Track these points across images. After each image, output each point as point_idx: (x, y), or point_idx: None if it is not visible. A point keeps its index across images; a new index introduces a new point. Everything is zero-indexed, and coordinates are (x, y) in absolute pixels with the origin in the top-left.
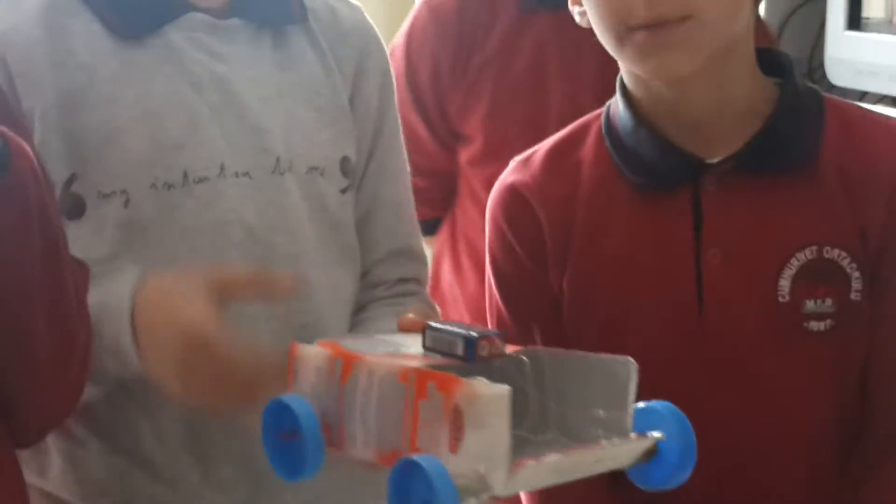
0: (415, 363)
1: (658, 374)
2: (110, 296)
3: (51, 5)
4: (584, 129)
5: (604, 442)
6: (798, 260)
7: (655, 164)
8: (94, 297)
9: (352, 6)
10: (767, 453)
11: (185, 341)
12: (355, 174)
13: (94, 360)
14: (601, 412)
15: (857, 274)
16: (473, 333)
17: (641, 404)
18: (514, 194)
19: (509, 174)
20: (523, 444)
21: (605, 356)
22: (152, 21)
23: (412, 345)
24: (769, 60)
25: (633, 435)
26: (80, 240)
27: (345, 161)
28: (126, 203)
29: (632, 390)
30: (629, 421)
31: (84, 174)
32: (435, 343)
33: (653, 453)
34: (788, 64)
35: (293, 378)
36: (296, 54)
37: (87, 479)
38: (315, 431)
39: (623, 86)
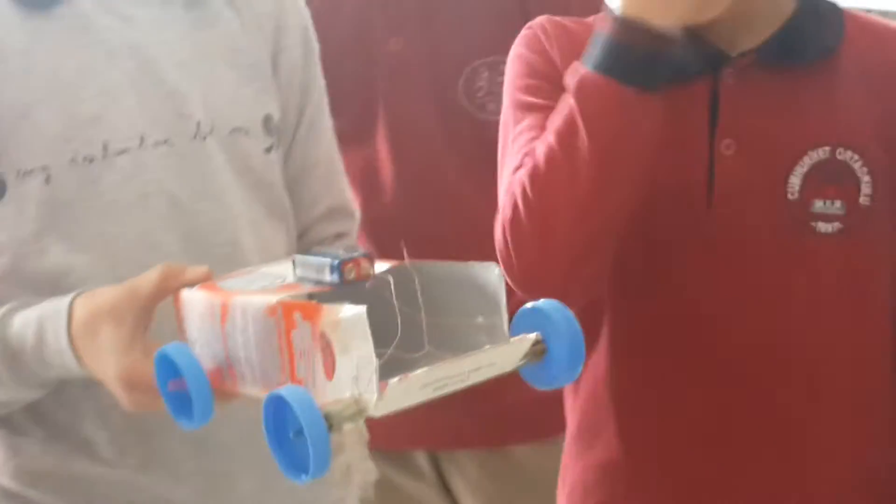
0: (285, 295)
1: (666, 258)
2: (46, 315)
3: None
4: None
5: (476, 350)
6: (810, 158)
7: (677, 53)
8: (32, 312)
9: None
10: (775, 349)
11: (125, 394)
12: (281, 132)
13: (40, 367)
14: (479, 319)
15: (867, 178)
16: (339, 258)
17: (529, 305)
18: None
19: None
20: (398, 363)
21: (473, 263)
22: None
23: (292, 275)
24: None
25: (513, 338)
26: (4, 220)
27: (267, 119)
28: (47, 179)
29: (501, 294)
30: (504, 325)
31: (1, 153)
32: (305, 271)
33: (542, 353)
34: None
35: (181, 325)
36: (212, 12)
37: (28, 466)
38: (199, 378)
39: None
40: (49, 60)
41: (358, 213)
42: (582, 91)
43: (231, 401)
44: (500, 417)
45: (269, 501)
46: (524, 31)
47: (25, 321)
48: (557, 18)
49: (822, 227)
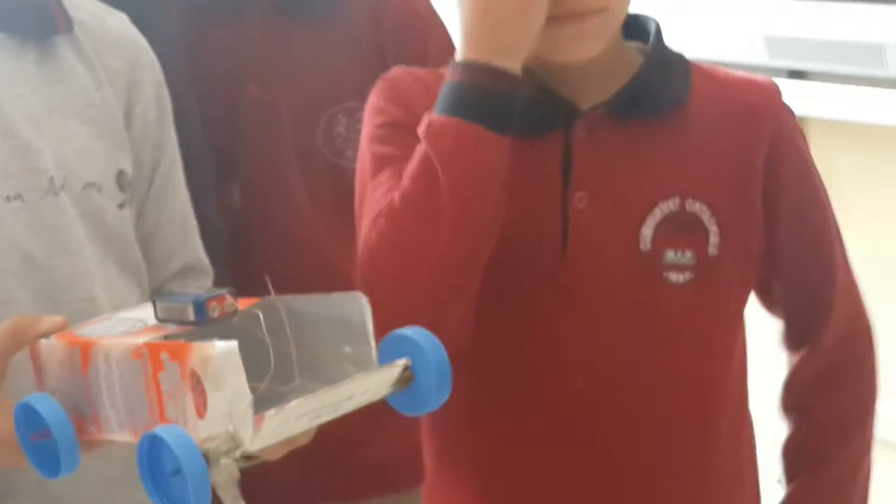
0: (149, 337)
1: (521, 304)
2: None
3: None
4: None
5: (348, 378)
6: (661, 210)
7: (529, 106)
8: None
9: (118, 17)
10: (626, 400)
11: None
12: (133, 188)
13: None
14: (347, 349)
15: (715, 228)
16: (202, 296)
17: (395, 332)
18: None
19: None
20: (270, 396)
21: (338, 294)
22: None
23: (153, 318)
24: (635, 26)
25: (382, 366)
26: None
27: (120, 175)
28: None
29: (368, 324)
30: (373, 353)
31: None
32: (167, 313)
33: (410, 380)
34: (656, 27)
35: (39, 376)
36: (64, 67)
37: None
38: (64, 427)
39: None
40: None
41: (211, 271)
42: (431, 134)
43: (95, 449)
44: (357, 471)
45: None
46: (380, 83)
47: None
48: (413, 69)
49: (674, 276)
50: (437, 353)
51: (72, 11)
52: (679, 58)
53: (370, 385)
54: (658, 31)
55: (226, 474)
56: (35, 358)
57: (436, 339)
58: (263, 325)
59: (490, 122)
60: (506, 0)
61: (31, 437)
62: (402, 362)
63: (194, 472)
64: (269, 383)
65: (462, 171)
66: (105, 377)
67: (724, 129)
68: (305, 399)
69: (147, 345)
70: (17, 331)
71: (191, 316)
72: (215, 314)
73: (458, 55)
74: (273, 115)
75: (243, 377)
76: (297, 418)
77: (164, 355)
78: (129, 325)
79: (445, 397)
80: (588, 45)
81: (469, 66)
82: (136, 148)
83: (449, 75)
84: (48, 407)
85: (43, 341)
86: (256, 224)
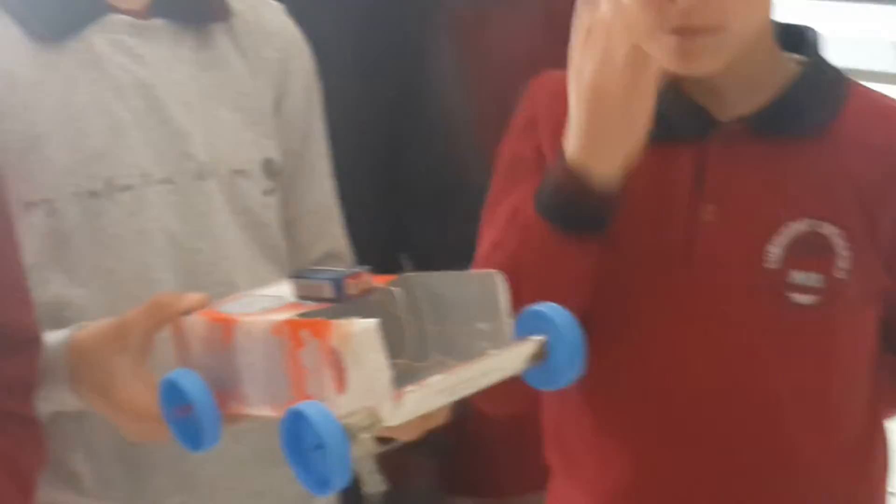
0: (289, 314)
1: (642, 318)
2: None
3: None
4: None
5: (483, 354)
6: (791, 229)
7: (666, 113)
8: None
9: (273, 8)
10: (743, 415)
11: (129, 425)
12: (281, 176)
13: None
14: (482, 325)
15: (846, 254)
16: (340, 273)
17: (530, 308)
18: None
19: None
20: (408, 372)
21: (473, 272)
22: (72, 23)
23: (291, 296)
24: (794, 35)
25: (516, 342)
26: None
27: (268, 163)
28: (50, 212)
29: (503, 300)
30: (507, 329)
31: (8, 183)
32: (305, 290)
33: (543, 356)
34: (814, 40)
35: (181, 353)
36: (219, 54)
37: None
38: (206, 401)
39: None
40: (58, 94)
41: (350, 257)
42: (520, 222)
43: (238, 423)
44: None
45: None
46: (527, 91)
47: None
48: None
49: (799, 298)
50: (571, 330)
51: (232, 2)
52: (836, 76)
53: (505, 361)
54: (816, 44)
55: (364, 449)
56: (177, 334)
57: (570, 316)
58: (399, 302)
59: (578, 229)
60: (611, 109)
61: (175, 412)
62: (536, 339)
63: (335, 447)
64: (406, 359)
65: (541, 271)
66: (247, 353)
67: (868, 157)
68: (445, 375)
69: (287, 322)
70: (161, 307)
71: (328, 293)
72: (353, 291)
73: (566, 148)
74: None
75: (383, 354)
76: (435, 394)
77: (304, 332)
78: (267, 302)
79: (578, 374)
80: (702, 62)
81: (568, 171)
82: (284, 136)
83: (553, 167)
84: (191, 382)
85: (185, 318)
86: None
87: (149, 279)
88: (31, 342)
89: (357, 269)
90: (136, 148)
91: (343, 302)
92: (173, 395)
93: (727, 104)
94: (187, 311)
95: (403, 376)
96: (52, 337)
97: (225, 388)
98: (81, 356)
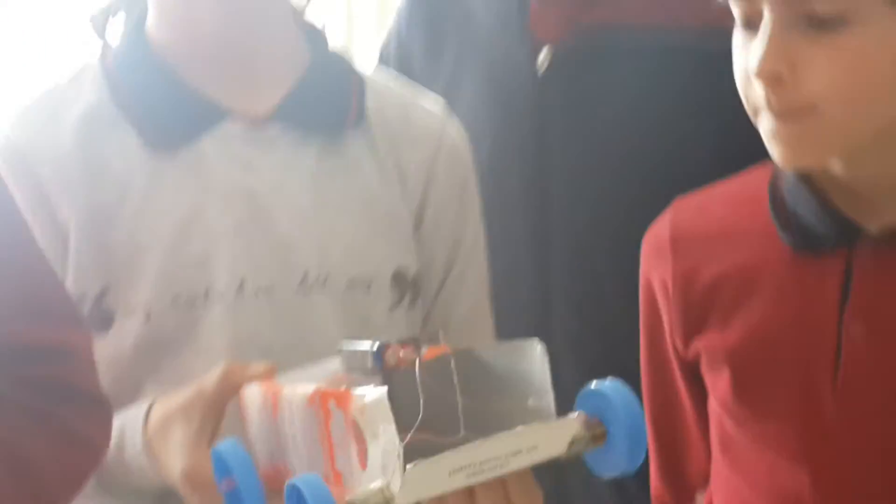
0: (325, 384)
1: (780, 434)
2: (127, 421)
3: (90, 115)
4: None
5: (510, 430)
6: None
7: (807, 221)
8: (116, 422)
9: (428, 112)
10: None
11: (190, 494)
12: (418, 287)
13: (121, 474)
14: (531, 401)
15: None
16: (382, 344)
17: (590, 386)
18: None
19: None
20: (437, 448)
21: (513, 342)
22: (188, 131)
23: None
24: None
25: (550, 420)
26: (103, 352)
27: (398, 274)
28: (147, 318)
29: (544, 371)
30: (550, 405)
31: (114, 288)
32: (350, 361)
33: (602, 437)
34: None
35: (245, 422)
36: (350, 161)
37: None
38: (247, 473)
39: None
40: (165, 201)
41: None
42: None
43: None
44: None
45: None
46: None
47: None
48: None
49: None
50: (629, 410)
51: (375, 102)
52: None
53: (541, 439)
54: None
55: None
56: (241, 405)
57: (629, 393)
58: (440, 376)
59: None
60: None
61: (224, 484)
62: (575, 416)
63: None
64: (437, 436)
65: None
66: (290, 424)
67: None
68: (457, 451)
69: (318, 391)
70: (228, 375)
71: (369, 363)
72: (392, 362)
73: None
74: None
75: (392, 426)
76: (450, 473)
77: (331, 403)
78: (319, 372)
79: (639, 460)
80: (796, 152)
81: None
82: (426, 247)
83: None
84: (234, 453)
85: (246, 387)
86: None
87: None
88: (103, 401)
89: (399, 339)
90: (236, 257)
91: (383, 374)
92: (221, 466)
93: (875, 210)
94: (253, 380)
95: (431, 452)
96: (134, 410)
97: (276, 462)
98: (156, 425)
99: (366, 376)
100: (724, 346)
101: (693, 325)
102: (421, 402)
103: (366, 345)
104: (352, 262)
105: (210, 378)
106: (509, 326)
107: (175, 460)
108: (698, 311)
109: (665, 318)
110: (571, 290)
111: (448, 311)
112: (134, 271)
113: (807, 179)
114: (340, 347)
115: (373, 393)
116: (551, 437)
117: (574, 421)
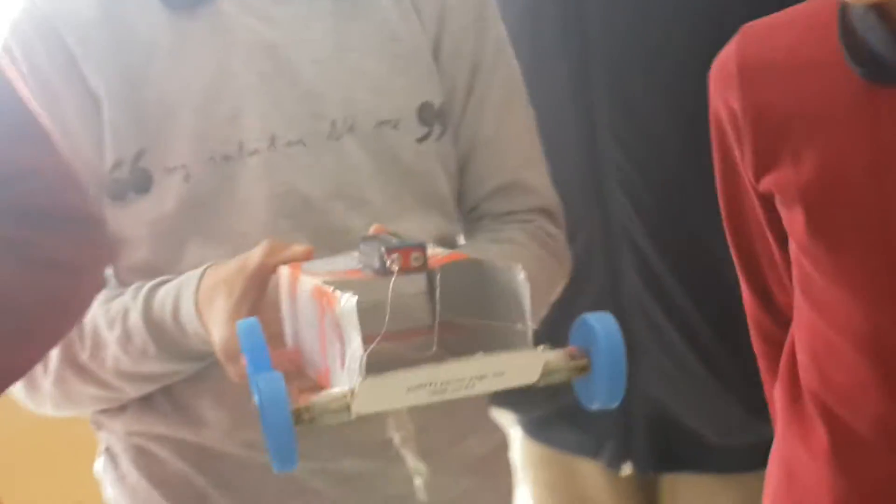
0: (332, 278)
1: (864, 285)
2: (183, 282)
3: None
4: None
5: (478, 355)
6: None
7: (881, 52)
8: (174, 282)
9: None
10: None
11: (225, 365)
12: (445, 117)
13: (179, 335)
14: (519, 326)
15: None
16: (389, 246)
17: (581, 317)
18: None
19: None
20: (408, 363)
21: (500, 264)
22: None
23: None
24: None
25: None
26: (146, 214)
27: (424, 108)
28: (186, 177)
29: (524, 298)
30: (528, 332)
31: (150, 149)
32: (364, 258)
33: (585, 368)
34: None
35: (280, 301)
36: (364, 2)
37: (153, 431)
38: (256, 354)
39: None
40: (192, 61)
41: (539, 188)
42: None
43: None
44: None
45: None
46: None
47: (167, 291)
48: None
49: None
50: (610, 344)
51: None
52: None
53: (507, 367)
54: None
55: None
56: (279, 283)
57: (614, 328)
58: (431, 287)
59: None
60: None
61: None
62: (541, 349)
63: (275, 427)
64: (415, 351)
65: None
66: (302, 312)
67: None
68: (416, 369)
69: (317, 287)
70: (269, 252)
71: (376, 265)
72: (394, 267)
73: None
74: None
75: (358, 333)
76: (408, 389)
77: (324, 301)
78: (342, 264)
79: (619, 396)
80: None
81: None
82: (447, 75)
83: None
84: (247, 333)
85: (281, 268)
86: None
87: (281, 241)
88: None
89: (411, 243)
90: (265, 111)
91: (386, 276)
92: (241, 342)
93: None
94: (291, 260)
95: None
96: (189, 273)
97: (296, 342)
98: (204, 292)
99: (375, 275)
100: (798, 183)
101: (765, 160)
102: (387, 313)
103: (381, 244)
104: (377, 103)
105: (253, 253)
106: (556, 166)
107: (215, 329)
108: (769, 146)
109: (736, 150)
110: (616, 125)
111: (473, 135)
112: (168, 132)
113: (878, 6)
114: (362, 238)
115: (345, 300)
116: (519, 365)
117: (543, 353)
